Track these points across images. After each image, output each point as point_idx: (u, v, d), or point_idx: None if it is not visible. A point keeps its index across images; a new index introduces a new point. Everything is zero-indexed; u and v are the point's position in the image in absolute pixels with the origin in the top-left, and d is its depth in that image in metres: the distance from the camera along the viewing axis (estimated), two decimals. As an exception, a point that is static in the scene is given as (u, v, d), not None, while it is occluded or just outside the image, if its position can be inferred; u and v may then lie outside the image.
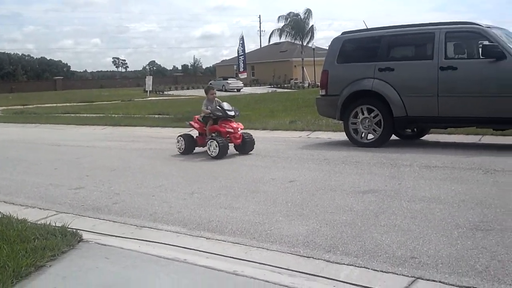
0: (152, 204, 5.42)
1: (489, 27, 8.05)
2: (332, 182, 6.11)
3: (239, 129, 8.53)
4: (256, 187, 6.03)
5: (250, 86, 51.53)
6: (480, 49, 7.87)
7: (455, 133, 9.39)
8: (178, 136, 9.00)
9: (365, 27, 9.97)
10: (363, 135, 8.91)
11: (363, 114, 8.81)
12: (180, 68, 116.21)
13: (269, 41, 66.43)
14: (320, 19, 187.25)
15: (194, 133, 9.30)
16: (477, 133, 9.16)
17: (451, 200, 4.94)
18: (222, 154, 8.12)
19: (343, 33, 9.74)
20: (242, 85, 47.37)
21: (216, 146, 8.11)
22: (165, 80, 68.43)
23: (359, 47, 9.42)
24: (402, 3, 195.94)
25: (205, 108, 8.75)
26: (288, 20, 59.23)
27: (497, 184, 5.50)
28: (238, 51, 18.86)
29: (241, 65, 20.14)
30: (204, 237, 4.27)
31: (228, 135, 8.42)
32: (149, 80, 42.31)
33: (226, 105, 8.64)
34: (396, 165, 6.92)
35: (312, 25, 59.79)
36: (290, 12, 59.49)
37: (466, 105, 7.88)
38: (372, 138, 8.79)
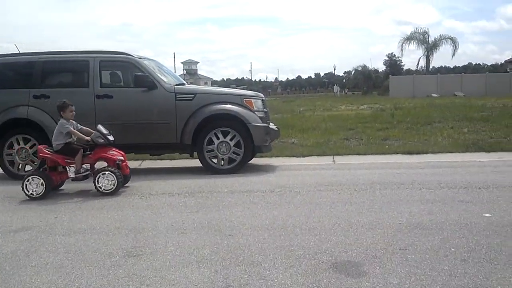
0: None
1: (140, 58, 8.53)
2: (-22, 224, 5.36)
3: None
4: None
5: None
6: (133, 79, 8.24)
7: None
8: (30, 177, 6.58)
9: (17, 51, 9.27)
10: (20, 167, 8.24)
11: (18, 144, 8.18)
12: None
13: None
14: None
15: None
16: (137, 158, 9.56)
17: (107, 228, 4.94)
18: (118, 188, 6.60)
19: (-8, 57, 8.84)
20: None
21: (113, 178, 6.55)
22: None
23: (11, 73, 8.71)
24: (69, 29, 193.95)
25: (74, 131, 6.85)
26: None
27: (151, 208, 5.79)
28: None
29: None
30: None
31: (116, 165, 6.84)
32: None
33: (103, 129, 6.95)
34: (52, 198, 6.59)
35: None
36: None
37: (124, 132, 8.10)
38: (31, 169, 8.21)
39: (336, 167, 8.59)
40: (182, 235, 4.60)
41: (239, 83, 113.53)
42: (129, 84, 8.56)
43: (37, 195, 6.53)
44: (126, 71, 8.66)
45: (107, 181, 6.59)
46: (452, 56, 64.25)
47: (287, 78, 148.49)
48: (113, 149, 7.01)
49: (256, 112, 8.20)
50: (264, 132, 8.15)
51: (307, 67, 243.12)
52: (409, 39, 53.91)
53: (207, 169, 8.07)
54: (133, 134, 8.13)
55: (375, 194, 6.09)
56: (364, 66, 69.01)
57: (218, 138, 7.99)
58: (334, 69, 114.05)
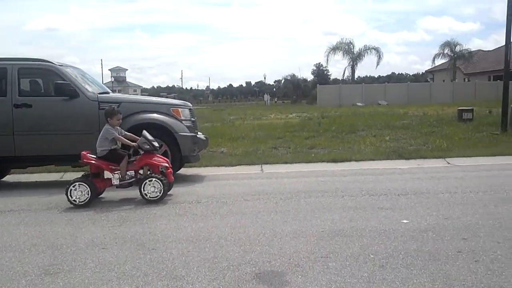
0: None
1: (62, 65, 8.21)
2: None
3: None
4: None
5: None
6: (54, 87, 7.92)
7: (37, 172, 9.17)
8: (75, 183, 6.39)
9: None
10: None
11: None
12: None
13: None
14: None
15: None
16: (58, 170, 9.18)
17: (23, 245, 4.69)
18: (164, 195, 6.52)
19: None
20: None
21: (160, 185, 6.43)
22: None
23: None
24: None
25: (119, 137, 6.76)
26: None
27: (71, 223, 5.55)
28: None
29: None
30: None
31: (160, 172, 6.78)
32: None
33: (148, 135, 6.80)
34: (-35, 214, 6.18)
35: None
36: None
37: (44, 143, 7.81)
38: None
39: (264, 176, 8.67)
40: (103, 251, 4.45)
41: (170, 91, 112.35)
42: (50, 92, 8.21)
43: (81, 203, 6.35)
44: (46, 79, 8.32)
45: (153, 188, 6.46)
46: (377, 66, 66.98)
47: (219, 86, 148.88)
48: (158, 155, 6.89)
49: (183, 122, 8.12)
50: (191, 141, 8.08)
51: (238, 76, 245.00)
52: (335, 49, 55.26)
53: (133, 181, 7.88)
54: (54, 145, 7.82)
55: (300, 203, 6.20)
56: (293, 75, 70.39)
57: (144, 149, 7.83)
58: (265, 78, 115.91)
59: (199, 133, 8.80)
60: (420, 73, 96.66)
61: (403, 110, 24.98)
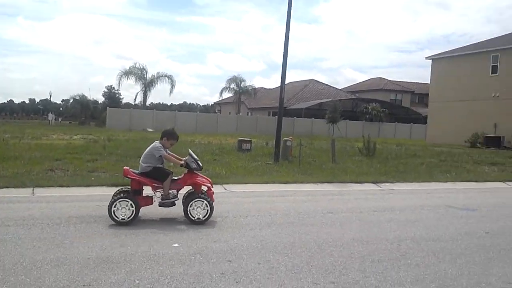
0: None
1: None
2: None
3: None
4: None
5: None
6: None
7: None
8: (120, 199, 6.13)
9: None
10: None
11: None
12: None
13: None
14: None
15: None
16: None
17: None
18: (210, 216, 6.42)
19: None
20: None
21: (207, 206, 6.36)
22: None
23: None
24: None
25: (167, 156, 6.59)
26: None
27: None
28: None
29: None
30: None
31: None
32: None
33: (193, 154, 6.71)
34: None
35: None
36: None
37: None
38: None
39: (34, 200, 7.96)
40: None
41: None
42: None
43: (125, 220, 6.09)
44: None
45: (200, 209, 6.35)
46: (170, 93, 68.12)
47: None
48: (201, 175, 6.73)
49: None
50: None
51: (21, 92, 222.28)
52: (127, 73, 54.50)
53: None
54: None
55: (69, 229, 5.82)
56: (83, 96, 66.99)
57: None
58: (50, 96, 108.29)
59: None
60: (210, 104, 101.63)
61: (191, 138, 25.86)
